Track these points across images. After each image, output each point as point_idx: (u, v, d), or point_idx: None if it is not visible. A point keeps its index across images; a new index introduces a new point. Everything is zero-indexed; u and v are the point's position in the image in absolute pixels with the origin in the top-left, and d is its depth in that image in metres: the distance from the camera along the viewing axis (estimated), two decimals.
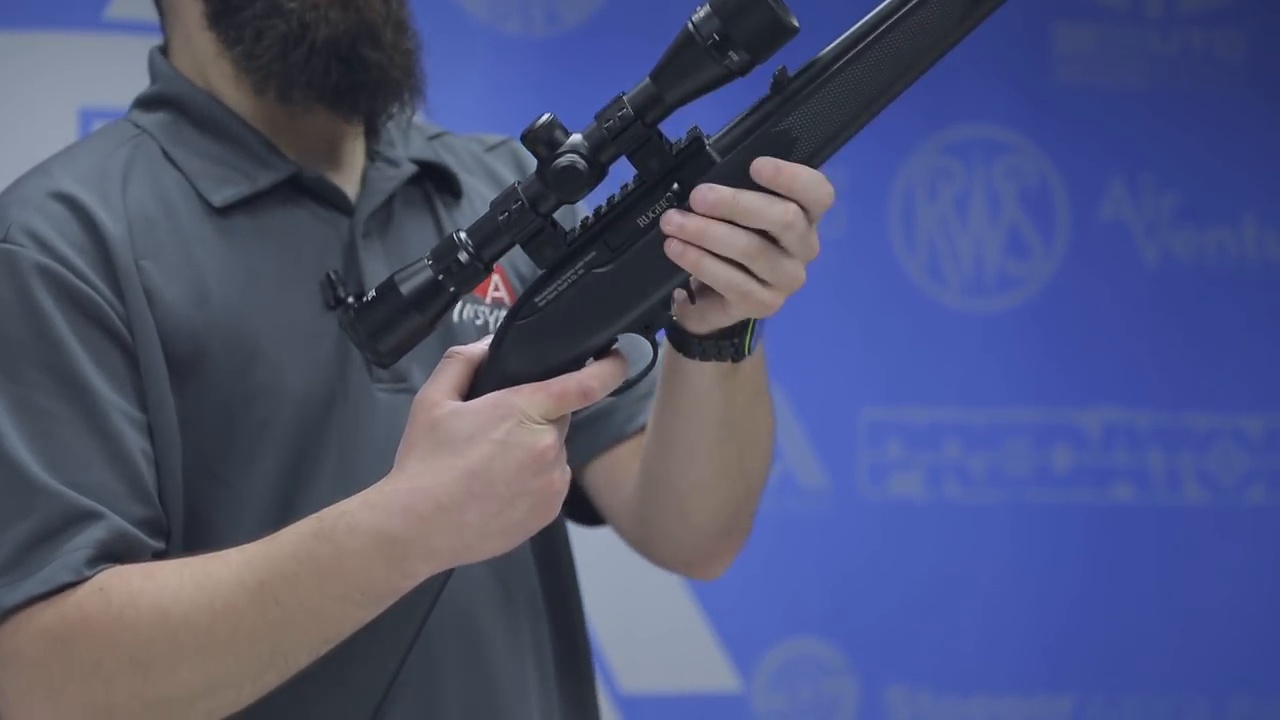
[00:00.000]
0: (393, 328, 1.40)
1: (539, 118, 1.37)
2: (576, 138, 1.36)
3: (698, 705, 3.12)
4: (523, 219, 1.38)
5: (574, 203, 1.37)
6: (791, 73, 1.36)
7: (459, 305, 1.57)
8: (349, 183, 1.57)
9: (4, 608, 1.42)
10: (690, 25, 1.34)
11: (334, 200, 1.56)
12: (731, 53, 1.33)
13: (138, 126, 1.57)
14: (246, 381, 1.50)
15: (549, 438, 1.35)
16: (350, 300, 1.44)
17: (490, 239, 1.38)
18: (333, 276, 1.47)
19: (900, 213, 3.28)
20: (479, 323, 1.59)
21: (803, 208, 1.34)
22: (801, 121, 1.35)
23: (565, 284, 1.39)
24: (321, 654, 1.41)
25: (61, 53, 2.93)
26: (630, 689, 3.08)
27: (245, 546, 1.41)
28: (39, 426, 1.45)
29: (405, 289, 1.39)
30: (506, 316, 1.41)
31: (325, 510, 1.39)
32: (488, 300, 1.60)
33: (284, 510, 1.49)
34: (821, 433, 3.19)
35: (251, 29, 1.53)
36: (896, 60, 1.34)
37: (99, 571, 1.43)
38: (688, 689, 3.13)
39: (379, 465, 1.50)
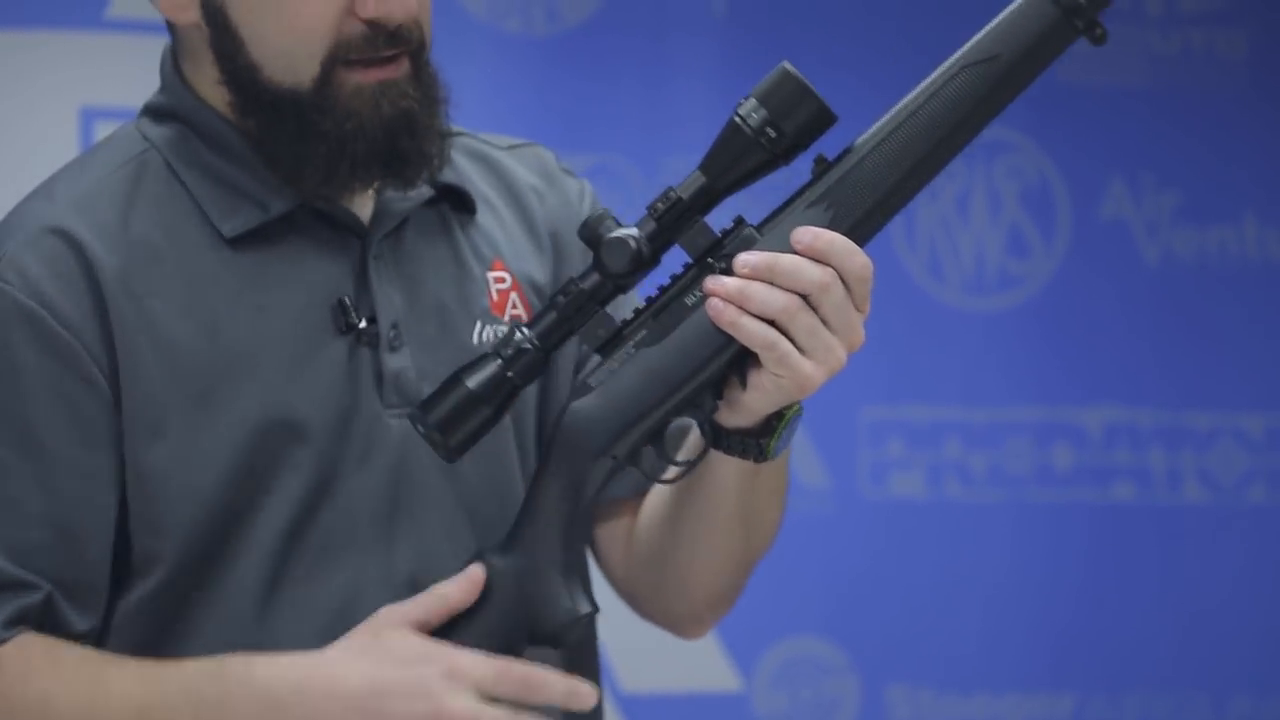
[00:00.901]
0: (461, 421, 1.44)
1: (595, 210, 1.46)
2: (630, 227, 1.44)
3: (698, 704, 3.12)
4: (577, 303, 1.44)
5: (626, 285, 1.44)
6: (830, 158, 1.44)
7: (479, 326, 1.57)
8: (362, 205, 1.55)
9: None
10: (737, 115, 1.42)
11: (346, 223, 1.53)
12: (776, 139, 1.41)
13: (146, 139, 1.54)
14: (259, 416, 1.49)
15: (462, 705, 1.38)
16: (362, 325, 1.48)
17: (551, 329, 1.45)
18: (346, 302, 1.48)
19: (901, 211, 3.28)
20: None
21: (841, 278, 1.41)
22: (839, 199, 1.43)
23: (617, 363, 1.45)
24: None
25: (62, 52, 2.93)
26: (631, 688, 3.08)
27: (148, 664, 1.44)
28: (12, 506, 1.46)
29: (471, 383, 1.44)
30: (569, 397, 1.46)
31: (235, 655, 1.43)
32: (506, 319, 1.60)
33: (294, 540, 1.49)
34: (822, 432, 3.18)
35: (290, 154, 1.51)
36: (928, 137, 1.42)
37: (13, 636, 1.45)
38: (688, 688, 3.13)
39: (390, 491, 1.50)
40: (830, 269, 1.40)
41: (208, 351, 1.49)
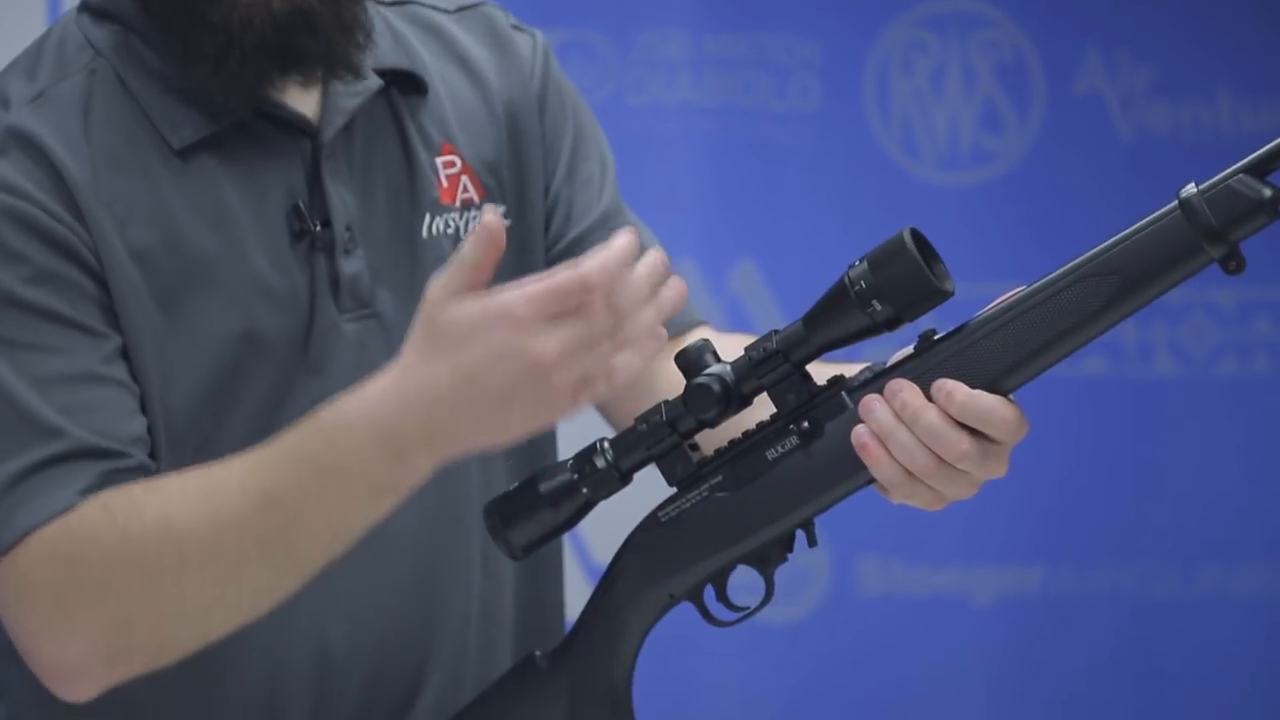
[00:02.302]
0: (527, 521, 1.44)
1: (695, 342, 1.43)
2: (724, 366, 1.42)
3: None
4: (659, 434, 1.42)
5: (710, 424, 1.41)
6: (939, 336, 1.41)
7: (428, 219, 1.56)
8: (309, 103, 1.53)
9: (12, 535, 1.42)
10: (847, 278, 1.40)
11: (297, 124, 1.52)
12: (880, 307, 1.38)
13: (91, 45, 1.52)
14: (220, 326, 1.49)
15: (549, 344, 1.32)
16: (317, 229, 1.46)
17: (628, 450, 1.43)
18: (301, 207, 1.47)
19: (875, 87, 3.27)
20: (450, 231, 1.58)
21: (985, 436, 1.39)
22: (936, 380, 1.39)
23: (689, 503, 1.44)
24: (339, 553, 1.40)
25: None
26: (601, 559, 3.10)
27: (248, 453, 1.40)
28: (24, 360, 1.44)
29: (543, 487, 1.43)
30: (635, 529, 1.46)
31: (322, 409, 1.38)
32: (457, 204, 1.58)
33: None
34: (795, 307, 3.18)
35: (181, 46, 1.48)
36: (1034, 340, 1.39)
37: (101, 492, 1.42)
38: None
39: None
40: (979, 441, 1.38)
41: (171, 262, 1.48)
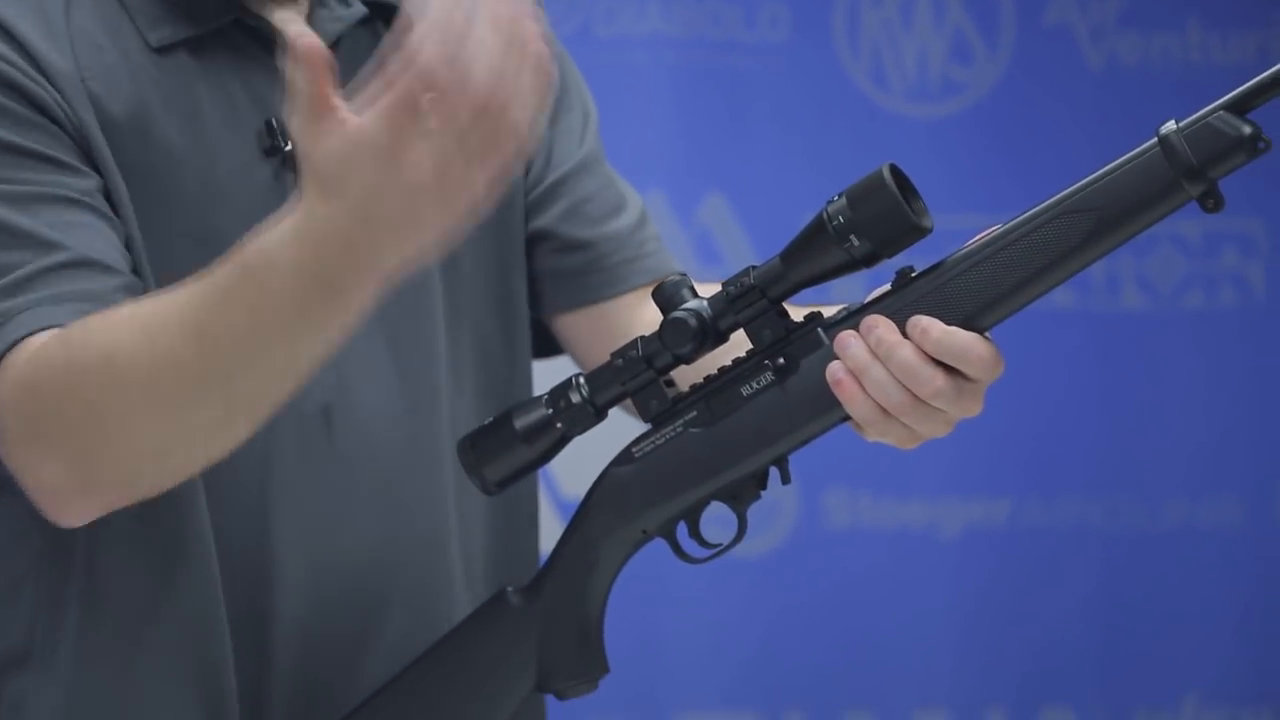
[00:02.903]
0: (501, 458, 1.43)
1: (670, 275, 1.42)
2: (700, 301, 1.40)
3: None
4: (634, 369, 1.42)
5: (685, 359, 1.41)
6: (916, 272, 1.40)
7: None
8: (293, 23, 1.52)
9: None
10: (826, 212, 1.38)
11: (278, 42, 1.51)
12: (858, 243, 1.37)
13: None
14: (181, 227, 1.48)
15: (422, 161, 1.24)
16: (288, 148, 1.45)
17: (604, 385, 1.43)
18: (273, 124, 1.46)
19: (844, 18, 3.26)
20: None
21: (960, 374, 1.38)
22: (912, 316, 1.38)
23: (663, 439, 1.43)
24: (288, 394, 1.37)
25: None
26: (570, 493, 3.10)
27: (183, 287, 1.36)
28: (12, 191, 1.42)
29: (518, 423, 1.43)
30: (608, 465, 1.44)
31: (242, 248, 1.33)
32: None
33: None
34: (764, 239, 3.18)
35: None
36: (1013, 276, 1.37)
37: (70, 317, 1.40)
38: None
39: None
40: (954, 378, 1.37)
41: (138, 148, 1.48)
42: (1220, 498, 3.33)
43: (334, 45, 1.53)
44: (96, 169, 1.46)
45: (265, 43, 1.52)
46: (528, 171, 1.63)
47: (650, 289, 1.51)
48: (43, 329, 1.40)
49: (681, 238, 3.12)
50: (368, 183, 1.26)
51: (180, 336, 1.35)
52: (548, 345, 1.69)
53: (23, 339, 1.40)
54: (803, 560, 3.20)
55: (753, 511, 1.47)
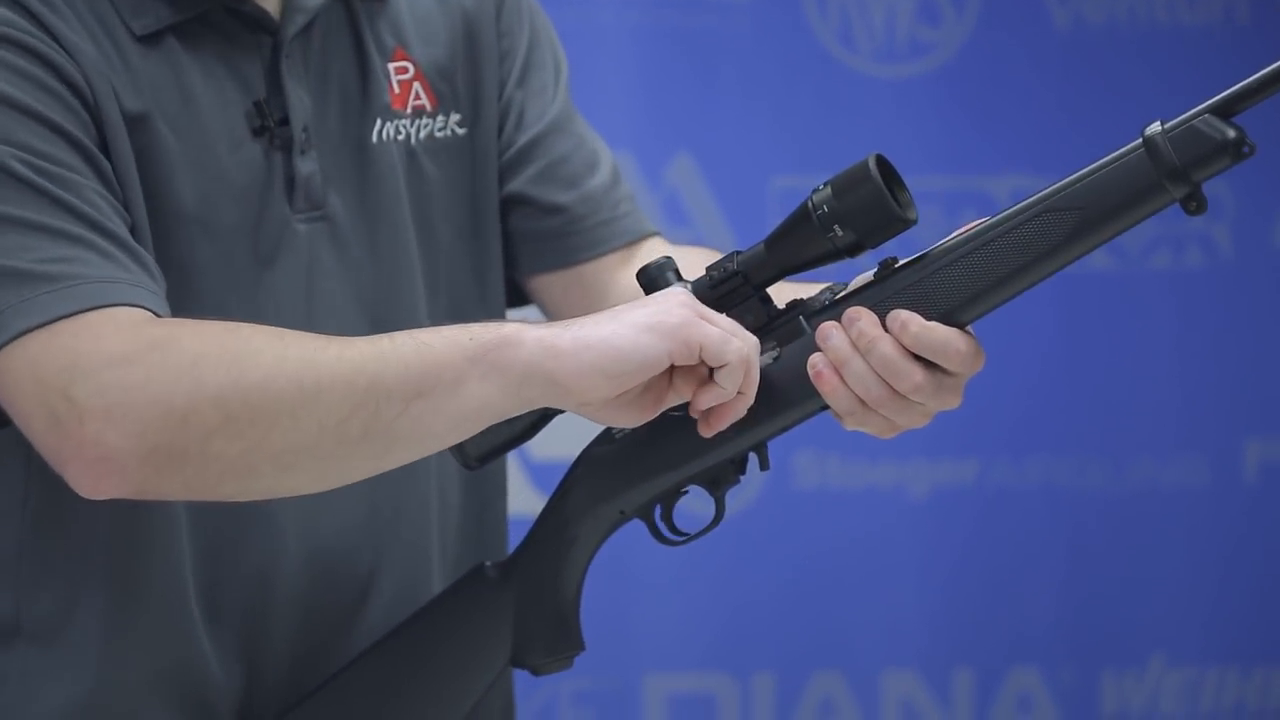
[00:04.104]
0: (483, 434, 1.41)
1: (657, 260, 1.42)
2: (684, 285, 1.41)
3: None
4: None
5: None
6: (900, 263, 1.40)
7: (378, 125, 1.55)
8: (271, 0, 1.52)
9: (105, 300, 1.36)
10: (810, 201, 1.38)
11: (259, 21, 1.51)
12: (842, 233, 1.37)
13: None
14: (172, 210, 1.47)
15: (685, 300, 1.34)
16: (276, 126, 1.45)
17: None
18: (262, 104, 1.46)
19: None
20: (400, 137, 1.57)
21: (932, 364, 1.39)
22: (895, 307, 1.38)
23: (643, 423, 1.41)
24: (397, 461, 1.38)
25: None
26: (541, 457, 3.10)
27: (355, 345, 1.37)
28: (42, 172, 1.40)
29: None
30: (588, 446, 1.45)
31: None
32: (408, 110, 1.58)
33: None
34: (731, 200, 3.18)
35: None
36: (996, 271, 1.38)
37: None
38: None
39: (301, 294, 1.49)
40: (933, 373, 1.38)
41: (146, 137, 1.47)
42: (1187, 458, 3.33)
43: (310, 22, 1.53)
44: (108, 155, 1.45)
45: (249, 23, 1.51)
46: (500, 133, 1.63)
47: (627, 250, 1.50)
48: (136, 305, 1.36)
49: (650, 198, 3.11)
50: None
51: (349, 403, 1.34)
52: (516, 296, 1.69)
53: (108, 306, 1.35)
54: (771, 522, 3.21)
55: None
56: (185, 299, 1.46)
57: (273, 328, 1.39)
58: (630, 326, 1.33)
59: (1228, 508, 3.34)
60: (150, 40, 1.48)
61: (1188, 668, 3.33)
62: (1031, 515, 3.30)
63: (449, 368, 1.34)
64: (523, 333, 1.34)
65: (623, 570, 3.08)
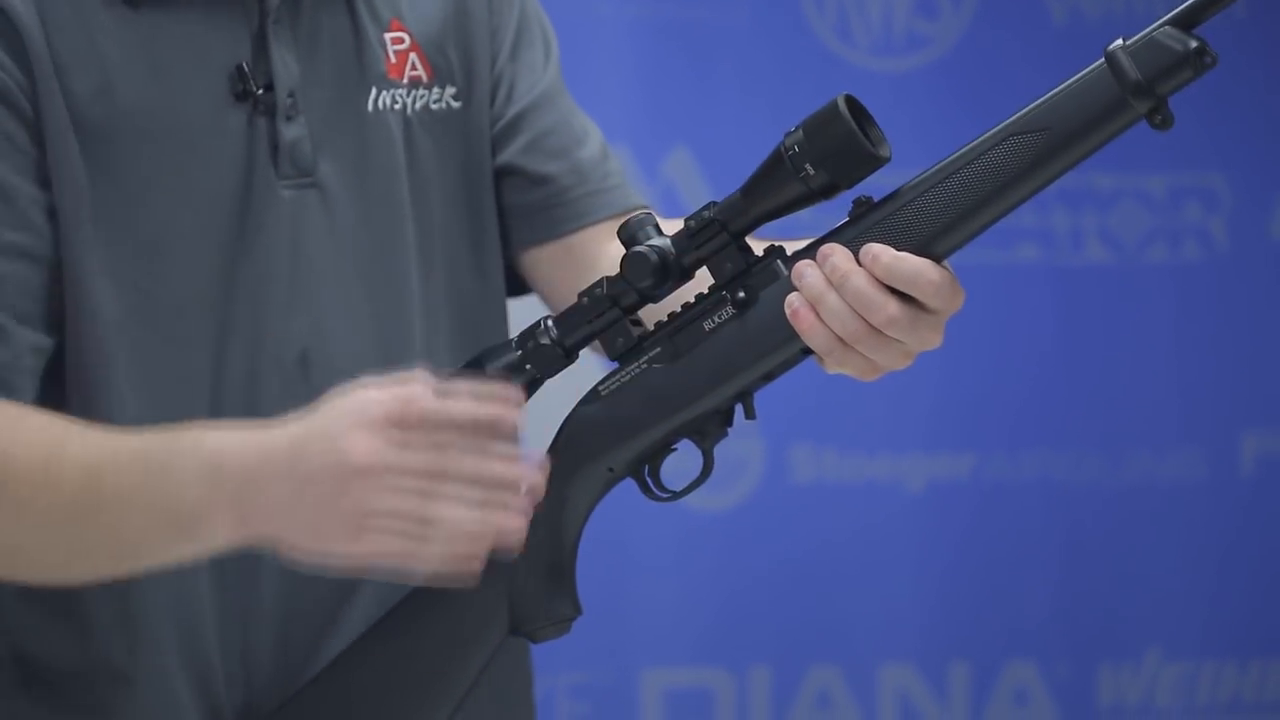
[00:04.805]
0: None
1: (636, 215, 1.43)
2: (663, 238, 1.41)
3: None
4: (599, 307, 1.43)
5: (649, 296, 1.42)
6: (873, 200, 1.40)
7: (374, 93, 1.55)
8: None
9: None
10: (783, 145, 1.38)
11: None
12: (814, 178, 1.37)
13: None
14: (151, 179, 1.47)
15: (365, 446, 1.34)
16: (259, 93, 1.44)
17: (571, 326, 1.44)
18: (244, 68, 1.45)
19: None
20: (396, 107, 1.56)
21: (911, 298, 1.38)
22: (870, 242, 1.38)
23: (628, 376, 1.44)
24: (118, 572, 1.42)
25: None
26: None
27: (108, 431, 1.41)
28: None
29: (489, 366, 1.44)
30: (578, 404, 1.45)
31: (192, 425, 1.40)
32: (404, 80, 1.58)
33: (194, 310, 1.47)
34: (728, 194, 3.18)
35: None
36: (967, 200, 1.37)
37: None
38: None
39: (285, 263, 1.49)
40: (909, 307, 1.38)
41: (104, 110, 1.47)
42: (1184, 451, 3.34)
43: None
44: (40, 140, 1.45)
45: None
46: (492, 105, 1.63)
47: (616, 223, 1.51)
48: None
49: (647, 192, 3.10)
50: (332, 430, 1.34)
51: (74, 470, 1.39)
52: (517, 284, 1.69)
53: None
54: (768, 515, 3.21)
55: (718, 465, 1.47)
56: (162, 271, 1.47)
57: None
58: (312, 536, 1.37)
59: (1224, 501, 3.34)
60: (131, 3, 1.47)
61: (1184, 661, 3.33)
62: (1028, 509, 3.30)
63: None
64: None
65: (620, 565, 3.08)
